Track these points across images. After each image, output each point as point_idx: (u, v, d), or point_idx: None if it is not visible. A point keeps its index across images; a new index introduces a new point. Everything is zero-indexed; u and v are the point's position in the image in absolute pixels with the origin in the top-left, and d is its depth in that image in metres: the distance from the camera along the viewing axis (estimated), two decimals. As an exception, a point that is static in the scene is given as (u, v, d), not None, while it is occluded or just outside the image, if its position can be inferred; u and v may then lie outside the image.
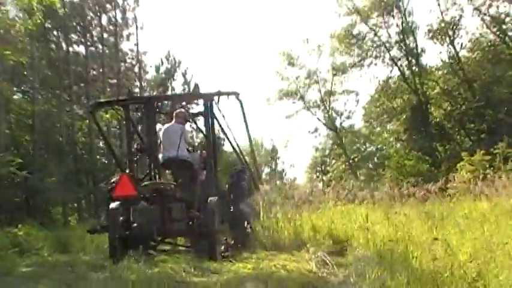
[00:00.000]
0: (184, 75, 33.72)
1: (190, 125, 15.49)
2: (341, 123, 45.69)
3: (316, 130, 45.99)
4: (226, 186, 10.88)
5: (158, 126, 11.27)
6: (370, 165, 44.20)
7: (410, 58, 36.88)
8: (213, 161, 10.02)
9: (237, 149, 11.85)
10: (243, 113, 11.43)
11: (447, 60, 35.89)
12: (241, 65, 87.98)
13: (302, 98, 43.17)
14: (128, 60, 29.97)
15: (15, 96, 21.43)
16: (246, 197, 10.55)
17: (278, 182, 24.73)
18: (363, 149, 46.73)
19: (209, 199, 8.97)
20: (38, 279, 6.53)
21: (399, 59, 37.78)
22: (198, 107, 11.63)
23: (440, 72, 36.57)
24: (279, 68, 43.22)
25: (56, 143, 23.18)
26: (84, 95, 25.75)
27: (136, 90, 29.57)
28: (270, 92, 44.17)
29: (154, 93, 30.07)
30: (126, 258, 7.49)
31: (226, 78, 68.26)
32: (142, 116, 11.17)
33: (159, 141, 10.29)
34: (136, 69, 30.37)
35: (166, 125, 10.54)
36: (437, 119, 35.73)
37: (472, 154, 21.79)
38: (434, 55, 54.63)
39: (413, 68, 36.99)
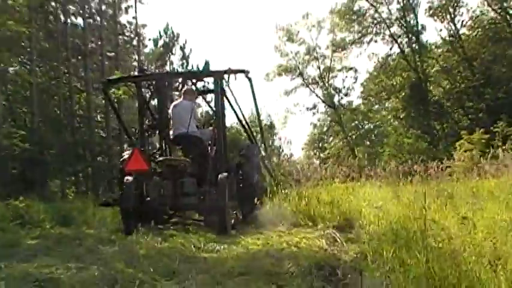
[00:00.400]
0: (182, 49, 33.47)
1: (199, 103, 15.58)
2: (339, 101, 45.86)
3: (314, 107, 46.03)
4: (236, 162, 10.97)
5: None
6: (368, 143, 44.09)
7: (410, 35, 36.87)
8: (223, 138, 10.20)
9: (247, 126, 12.04)
10: (253, 91, 11.69)
11: (447, 38, 35.85)
12: (240, 39, 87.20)
13: (301, 74, 43.26)
14: (127, 33, 29.65)
15: (12, 68, 21.20)
16: (255, 174, 10.62)
17: (275, 158, 24.85)
18: (361, 127, 46.84)
19: (219, 175, 9.11)
20: (46, 252, 6.47)
21: (399, 36, 37.79)
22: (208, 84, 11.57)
23: (440, 50, 36.59)
24: (278, 44, 43.06)
25: (53, 115, 23.01)
26: (82, 68, 25.51)
27: (135, 63, 29.34)
28: (269, 67, 43.85)
29: (154, 67, 29.94)
30: (136, 232, 7.59)
31: (225, 52, 67.71)
32: (153, 93, 11.32)
33: (169, 117, 10.39)
34: (134, 43, 30.07)
35: (176, 102, 10.60)
36: (436, 97, 35.81)
37: (471, 133, 21.81)
38: (434, 33, 54.58)
39: (413, 45, 37.02)
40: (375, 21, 38.62)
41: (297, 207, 9.32)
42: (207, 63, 10.65)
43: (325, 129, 49.49)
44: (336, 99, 45.13)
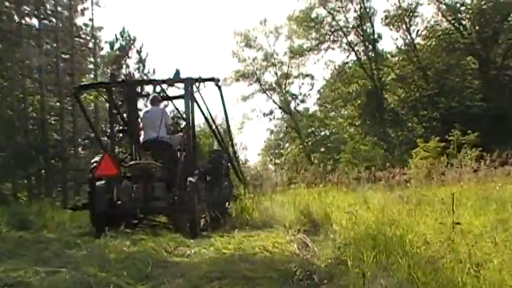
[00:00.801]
0: (139, 52, 33.18)
1: (171, 109, 16.04)
2: (296, 107, 46.39)
3: (271, 113, 46.22)
4: (205, 167, 11.37)
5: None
6: (323, 149, 44.30)
7: (367, 44, 37.85)
8: (192, 143, 10.61)
9: (216, 131, 12.67)
10: (222, 98, 12.27)
11: (403, 47, 36.77)
12: (197, 44, 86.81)
13: (258, 80, 43.48)
14: (83, 36, 29.16)
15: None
16: (223, 178, 11.27)
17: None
18: (317, 133, 47.25)
19: (188, 179, 9.53)
20: (9, 255, 6.35)
21: (356, 44, 38.80)
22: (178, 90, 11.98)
23: (395, 59, 37.70)
24: (236, 49, 43.14)
25: (6, 117, 22.44)
26: (36, 69, 24.95)
27: (90, 66, 28.91)
28: (227, 72, 43.76)
29: (111, 70, 29.61)
30: (103, 236, 7.77)
31: (182, 56, 67.17)
32: (124, 99, 11.69)
33: (140, 123, 11.02)
34: (90, 45, 29.60)
35: (147, 109, 11.24)
36: (392, 105, 37.00)
37: (426, 141, 22.28)
38: (390, 41, 55.39)
39: (370, 53, 38.00)
40: (333, 29, 39.46)
41: (265, 211, 9.46)
42: (177, 71, 10.83)
43: (281, 135, 49.57)
44: (292, 105, 45.73)
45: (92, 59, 29.67)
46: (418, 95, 34.66)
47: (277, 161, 48.94)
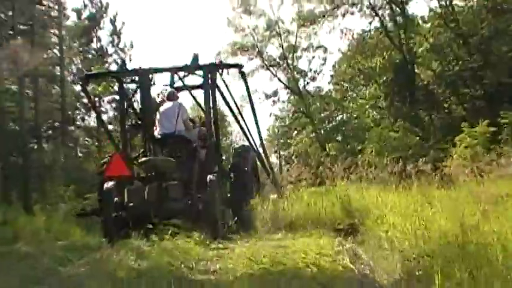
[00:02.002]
0: (113, 22, 32.93)
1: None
2: (305, 86, 45.52)
3: (275, 94, 45.77)
4: (229, 166, 12.55)
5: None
6: (339, 138, 43.74)
7: (394, 7, 36.67)
8: (215, 138, 11.84)
9: (243, 123, 13.55)
10: (247, 87, 13.50)
11: (438, 10, 35.59)
12: (184, 10, 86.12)
13: (260, 53, 42.66)
14: (44, 2, 28.87)
15: None
16: (250, 177, 12.12)
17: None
18: (332, 118, 46.10)
19: (209, 177, 10.23)
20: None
21: (380, 8, 37.65)
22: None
23: (429, 25, 36.32)
24: (233, 16, 42.39)
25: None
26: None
27: (54, 40, 28.72)
28: (221, 45, 43.23)
29: (77, 44, 29.60)
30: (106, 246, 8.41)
31: (167, 26, 66.58)
32: (137, 90, 12.51)
33: (156, 118, 11.85)
34: (54, 14, 29.34)
35: (163, 106, 12.03)
36: (425, 82, 35.83)
37: (472, 125, 21.76)
38: (423, 3, 54.04)
39: (398, 18, 36.76)
40: (351, -11, 38.22)
41: (292, 211, 10.20)
42: (195, 56, 11.37)
43: (288, 121, 49.07)
44: (301, 84, 44.93)
45: (56, 31, 29.43)
46: (458, 68, 33.37)
47: (283, 153, 48.62)
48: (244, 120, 13.56)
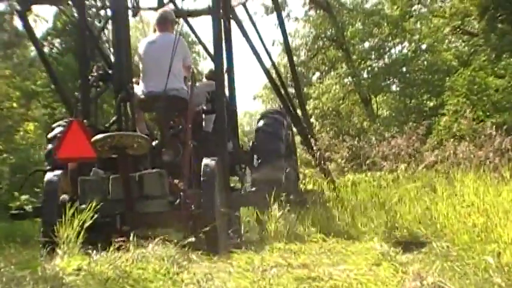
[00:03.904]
0: None
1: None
2: None
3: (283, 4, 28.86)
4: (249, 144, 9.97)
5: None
6: (397, 85, 28.33)
7: None
8: (225, 99, 8.96)
9: (277, 77, 11.21)
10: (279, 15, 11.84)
11: None
12: None
13: None
14: None
15: None
16: (279, 159, 9.40)
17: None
18: (384, 51, 29.29)
19: (204, 161, 7.52)
20: None
21: None
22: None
23: None
24: None
25: None
26: None
27: None
28: None
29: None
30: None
31: None
32: (107, 21, 9.27)
33: (136, 62, 8.96)
34: None
35: (151, 38, 8.72)
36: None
37: None
38: None
39: None
40: None
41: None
42: None
43: (304, 55, 32.13)
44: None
45: None
46: None
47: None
48: (277, 70, 11.23)
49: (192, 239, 6.84)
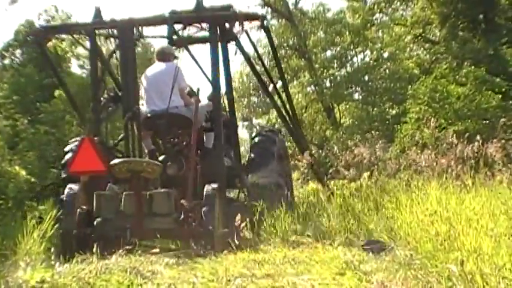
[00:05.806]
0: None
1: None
2: (297, 2, 29.85)
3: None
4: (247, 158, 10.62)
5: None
6: (357, 96, 28.20)
7: None
8: (232, 115, 10.07)
9: (285, 97, 11.98)
10: (272, 45, 11.80)
11: None
12: None
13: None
14: None
15: None
16: (271, 172, 9.95)
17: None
18: (346, 59, 29.26)
19: (206, 186, 8.27)
20: None
21: None
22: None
23: None
24: None
25: None
26: None
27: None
28: None
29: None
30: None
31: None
32: (115, 49, 9.88)
33: (141, 88, 9.59)
34: None
35: (151, 67, 9.76)
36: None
37: None
38: None
39: None
40: None
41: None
42: (199, 1, 9.17)
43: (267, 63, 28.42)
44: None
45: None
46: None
47: (257, 121, 33.59)
48: (277, 90, 11.84)
49: (157, 250, 7.24)
